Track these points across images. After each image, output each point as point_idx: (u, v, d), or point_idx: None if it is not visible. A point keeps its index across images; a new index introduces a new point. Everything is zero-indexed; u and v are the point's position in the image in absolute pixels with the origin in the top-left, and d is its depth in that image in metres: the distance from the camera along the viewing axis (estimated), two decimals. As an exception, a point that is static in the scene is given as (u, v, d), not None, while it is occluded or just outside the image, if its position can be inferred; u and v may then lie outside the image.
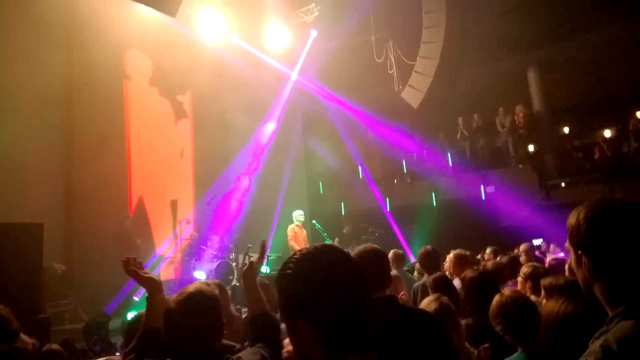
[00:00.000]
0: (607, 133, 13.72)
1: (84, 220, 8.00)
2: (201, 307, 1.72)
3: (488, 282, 3.07)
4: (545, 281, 2.64)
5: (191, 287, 1.81)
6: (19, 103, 7.38)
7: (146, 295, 2.01)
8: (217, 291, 1.89)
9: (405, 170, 12.91)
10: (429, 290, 3.35)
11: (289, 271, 1.04)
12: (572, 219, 1.19)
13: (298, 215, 8.33)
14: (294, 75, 11.79)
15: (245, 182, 10.53)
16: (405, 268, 5.45)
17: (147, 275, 2.05)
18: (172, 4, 8.87)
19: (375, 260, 2.07)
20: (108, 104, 8.70)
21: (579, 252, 1.16)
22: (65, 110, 8.33)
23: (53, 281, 6.77)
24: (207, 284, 1.94)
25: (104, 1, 8.76)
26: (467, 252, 4.75)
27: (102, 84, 8.61)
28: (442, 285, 3.34)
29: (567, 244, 1.29)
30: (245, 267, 2.19)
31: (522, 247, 5.53)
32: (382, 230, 11.12)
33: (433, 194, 11.64)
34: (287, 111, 11.98)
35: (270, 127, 11.32)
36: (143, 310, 2.08)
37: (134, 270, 2.03)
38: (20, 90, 7.43)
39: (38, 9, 7.85)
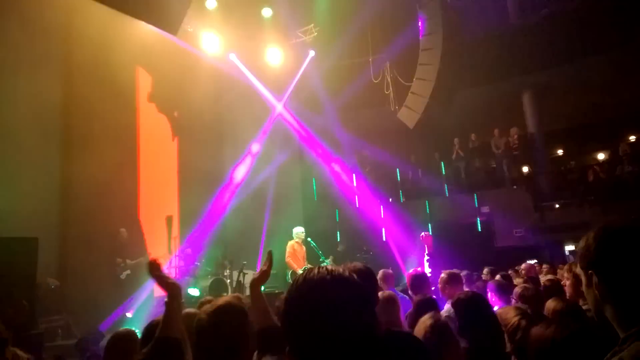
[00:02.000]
0: (601, 156, 13.90)
1: (79, 236, 7.94)
2: (232, 319, 1.73)
3: (480, 303, 3.10)
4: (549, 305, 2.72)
5: (221, 300, 1.82)
6: (16, 118, 7.39)
7: (166, 300, 1.93)
8: (246, 306, 1.89)
9: (400, 190, 12.98)
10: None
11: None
12: (582, 242, 1.19)
13: (299, 232, 8.26)
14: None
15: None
16: (399, 288, 5.45)
17: (170, 279, 1.99)
18: (173, 22, 9.06)
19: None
20: (106, 120, 8.74)
21: (590, 272, 1.15)
22: (63, 126, 8.36)
23: (46, 296, 6.70)
24: (238, 298, 1.94)
25: (106, 18, 8.90)
26: (463, 272, 4.78)
27: (101, 101, 8.68)
28: (426, 307, 3.34)
29: (577, 269, 1.29)
30: (256, 276, 2.18)
31: (523, 266, 5.61)
32: (378, 249, 11.12)
33: (428, 213, 11.69)
34: (282, 128, 12.08)
35: (254, 147, 11.44)
36: (159, 316, 2.04)
37: (159, 274, 1.99)
38: (18, 105, 7.46)
39: (38, 26, 7.97)
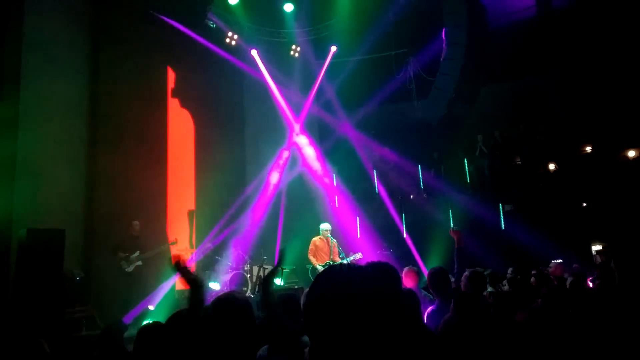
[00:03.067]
0: (632, 153, 13.39)
1: (104, 228, 8.12)
2: (234, 309, 1.82)
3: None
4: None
5: (224, 293, 1.92)
6: (45, 113, 7.58)
7: (188, 294, 2.12)
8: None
9: (422, 186, 12.79)
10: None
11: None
12: None
13: (324, 228, 8.22)
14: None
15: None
16: (421, 286, 5.37)
17: (192, 275, 2.19)
18: (195, 17, 9.14)
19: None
20: (130, 116, 8.89)
21: None
22: (90, 121, 8.55)
23: (71, 288, 6.86)
24: (238, 292, 2.05)
25: (131, 15, 9.04)
26: (487, 271, 4.67)
27: (125, 96, 8.82)
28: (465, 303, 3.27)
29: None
30: (267, 273, 2.30)
31: (551, 265, 5.50)
32: (398, 246, 11.01)
33: (450, 210, 11.50)
34: (303, 124, 12.07)
35: (285, 154, 11.50)
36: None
37: (184, 268, 2.15)
38: (47, 101, 7.64)
39: (65, 24, 8.14)
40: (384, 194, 12.17)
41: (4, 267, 6.01)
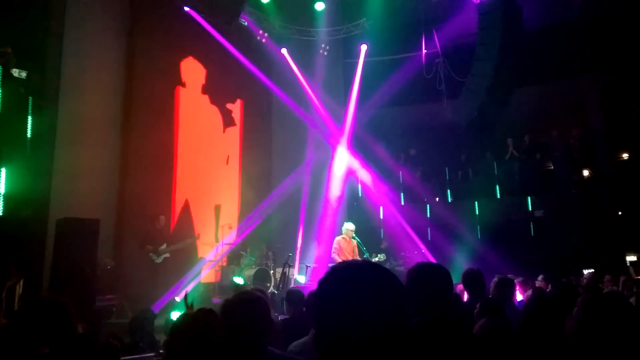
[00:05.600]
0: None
1: (134, 219, 8.34)
2: (257, 302, 1.91)
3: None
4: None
5: (247, 289, 2.03)
6: (82, 104, 7.81)
7: None
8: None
9: (448, 189, 12.62)
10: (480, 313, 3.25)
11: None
12: None
13: (348, 227, 8.13)
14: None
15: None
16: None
17: None
18: (229, 15, 9.26)
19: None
20: (162, 109, 9.09)
21: None
22: (122, 116, 8.78)
23: (102, 276, 7.08)
24: (262, 291, 2.13)
25: (163, 10, 9.23)
26: (518, 278, 4.59)
27: (156, 91, 9.02)
28: (492, 309, 3.24)
29: None
30: None
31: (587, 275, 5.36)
32: (420, 248, 10.89)
33: (477, 214, 11.29)
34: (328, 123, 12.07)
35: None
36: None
37: None
38: (81, 98, 7.86)
39: (97, 21, 8.38)
40: (408, 195, 12.06)
41: (40, 253, 6.25)
